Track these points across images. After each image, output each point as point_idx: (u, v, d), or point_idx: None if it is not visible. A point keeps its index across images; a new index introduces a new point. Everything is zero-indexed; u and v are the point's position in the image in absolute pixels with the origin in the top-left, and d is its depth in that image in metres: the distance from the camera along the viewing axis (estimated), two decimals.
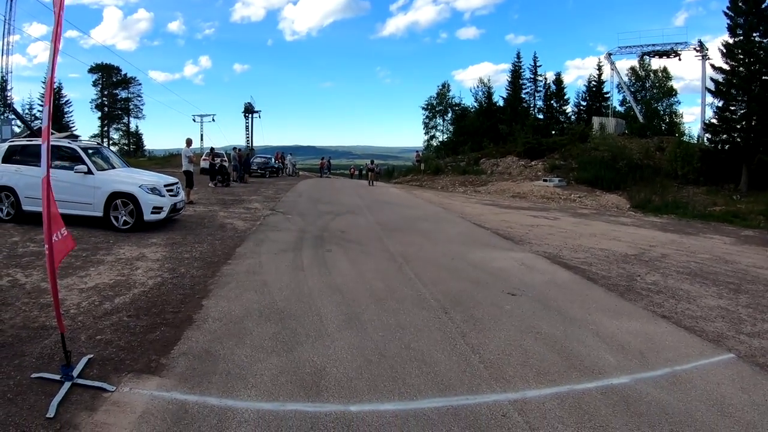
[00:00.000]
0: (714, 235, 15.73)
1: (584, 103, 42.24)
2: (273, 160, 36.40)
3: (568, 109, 43.77)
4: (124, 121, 58.95)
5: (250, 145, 50.96)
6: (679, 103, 46.28)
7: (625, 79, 42.14)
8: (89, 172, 9.30)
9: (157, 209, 9.46)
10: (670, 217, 20.96)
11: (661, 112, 44.92)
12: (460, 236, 11.19)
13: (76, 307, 5.05)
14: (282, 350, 4.25)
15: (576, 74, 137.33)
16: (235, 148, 27.23)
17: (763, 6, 26.03)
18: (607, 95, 41.19)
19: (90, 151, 9.84)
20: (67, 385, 3.43)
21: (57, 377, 3.52)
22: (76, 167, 9.24)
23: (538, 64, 43.47)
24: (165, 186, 9.83)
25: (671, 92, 45.66)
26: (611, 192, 26.12)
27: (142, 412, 3.20)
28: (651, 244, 12.45)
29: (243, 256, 7.89)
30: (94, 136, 54.44)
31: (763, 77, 26.08)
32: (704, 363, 4.95)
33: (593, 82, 42.06)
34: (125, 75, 57.89)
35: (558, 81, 42.71)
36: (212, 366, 3.89)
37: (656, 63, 42.00)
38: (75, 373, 3.57)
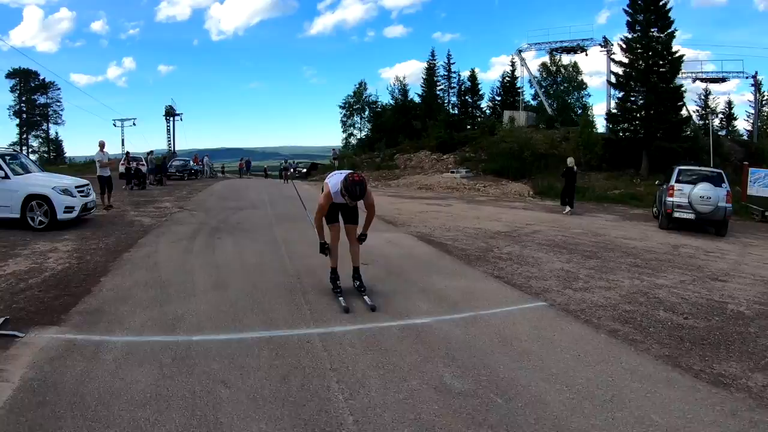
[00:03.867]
0: (601, 214, 17.36)
1: (498, 98, 44.71)
2: (191, 162, 37.09)
3: (483, 104, 46.35)
4: (43, 127, 57.48)
5: (172, 148, 50.71)
6: (590, 95, 49.77)
7: (537, 74, 44.96)
8: (6, 176, 10.31)
9: (69, 209, 10.57)
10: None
11: (573, 105, 48.28)
12: None
13: None
14: (155, 307, 5.67)
15: (501, 70, 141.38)
16: (150, 152, 27.85)
17: (661, 3, 28.92)
18: (521, 90, 43.80)
19: (7, 158, 10.85)
20: None
21: None
22: None
23: (451, 61, 45.70)
24: (76, 187, 10.96)
25: (581, 86, 49.12)
26: (517, 181, 28.18)
27: (43, 346, 4.53)
28: (529, 223, 13.77)
29: (143, 245, 9.18)
30: (13, 143, 52.79)
31: (661, 69, 28.93)
32: (511, 309, 5.89)
33: (507, 78, 44.62)
34: (44, 80, 56.27)
35: (473, 77, 45.13)
36: (99, 318, 5.26)
37: (568, 58, 45.11)
38: None
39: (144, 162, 25.82)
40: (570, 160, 17.67)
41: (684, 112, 33.16)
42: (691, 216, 13.63)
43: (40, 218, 10.34)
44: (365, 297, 5.98)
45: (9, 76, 54.66)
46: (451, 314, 5.61)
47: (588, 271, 7.97)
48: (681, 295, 6.96)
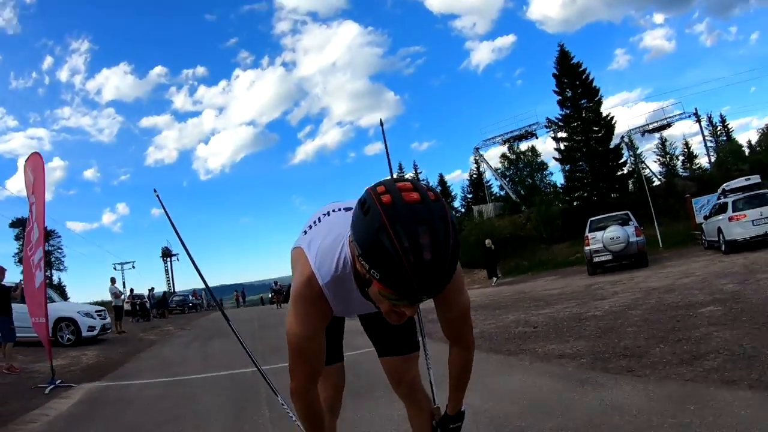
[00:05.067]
0: (546, 276, 19.03)
1: (470, 196, 47.69)
2: (190, 297, 40.78)
3: (457, 203, 48.62)
4: (46, 274, 57.73)
5: (171, 288, 53.05)
6: (552, 174, 52.16)
7: (499, 164, 47.75)
8: None
9: (91, 328, 13.52)
10: (527, 275, 23.74)
11: (540, 186, 50.87)
12: None
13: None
14: (162, 371, 8.60)
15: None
16: (151, 289, 31.33)
17: (583, 77, 31.67)
18: (489, 184, 46.93)
19: None
20: (52, 386, 7.51)
21: (48, 384, 7.58)
22: None
23: (418, 171, 49.11)
24: (96, 312, 14.11)
25: (542, 166, 51.56)
26: (484, 268, 30.17)
27: (88, 389, 7.36)
28: (470, 294, 16.23)
29: (152, 349, 12.33)
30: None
31: (597, 135, 31.39)
32: None
33: (474, 175, 47.82)
34: (45, 228, 56.96)
35: (442, 181, 48.74)
36: (124, 378, 8.16)
37: (525, 145, 48.14)
38: (56, 383, 7.69)
39: (147, 299, 29.28)
40: (487, 242, 20.37)
41: (646, 168, 35.78)
42: (608, 257, 14.57)
43: (68, 336, 13.22)
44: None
45: (12, 225, 55.00)
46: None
47: (485, 316, 9.19)
48: (552, 317, 7.97)
